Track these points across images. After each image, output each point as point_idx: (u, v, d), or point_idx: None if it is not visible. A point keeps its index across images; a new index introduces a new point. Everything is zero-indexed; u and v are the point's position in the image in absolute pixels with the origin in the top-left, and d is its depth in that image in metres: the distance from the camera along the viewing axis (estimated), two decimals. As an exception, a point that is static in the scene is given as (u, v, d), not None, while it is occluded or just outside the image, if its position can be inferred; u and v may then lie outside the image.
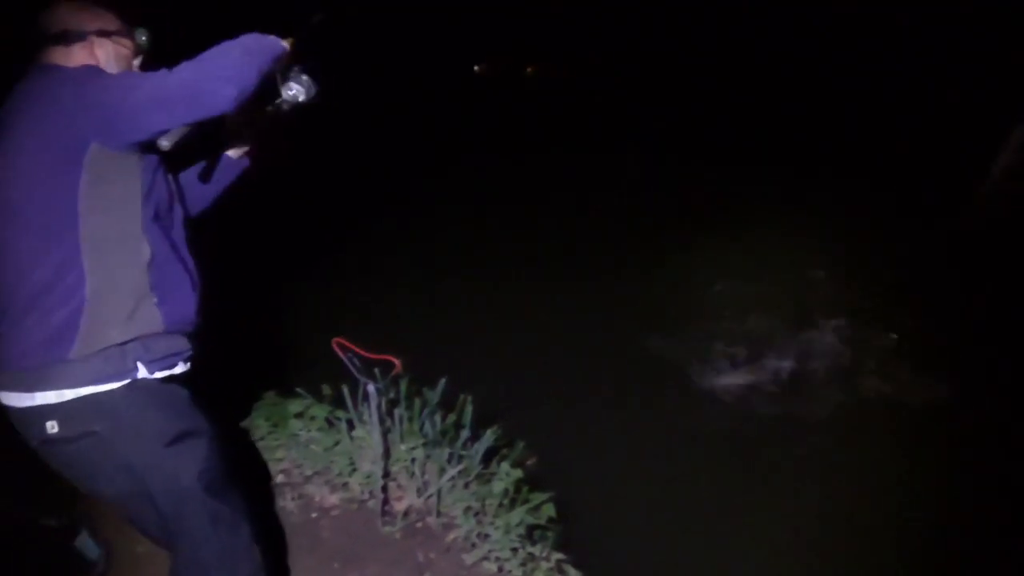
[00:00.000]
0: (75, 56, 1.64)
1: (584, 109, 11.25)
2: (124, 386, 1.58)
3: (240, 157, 2.02)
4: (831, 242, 6.69)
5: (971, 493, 3.80)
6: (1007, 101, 7.37)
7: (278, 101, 1.82)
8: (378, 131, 9.14)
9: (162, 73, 1.50)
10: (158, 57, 1.77)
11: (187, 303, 1.72)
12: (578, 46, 13.14)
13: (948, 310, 5.63)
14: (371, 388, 2.48)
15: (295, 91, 1.81)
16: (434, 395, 2.91)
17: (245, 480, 1.85)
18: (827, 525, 3.49)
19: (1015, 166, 7.00)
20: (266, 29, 1.68)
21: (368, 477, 2.78)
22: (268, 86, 1.76)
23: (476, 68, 12.95)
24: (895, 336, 5.19)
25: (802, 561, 3.23)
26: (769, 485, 3.76)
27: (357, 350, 2.40)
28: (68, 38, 1.63)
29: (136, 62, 1.76)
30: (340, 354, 2.41)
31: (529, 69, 13.25)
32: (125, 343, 1.58)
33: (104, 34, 1.68)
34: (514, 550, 2.58)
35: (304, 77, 1.81)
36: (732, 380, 4.74)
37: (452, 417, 2.92)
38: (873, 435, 4.27)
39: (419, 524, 2.73)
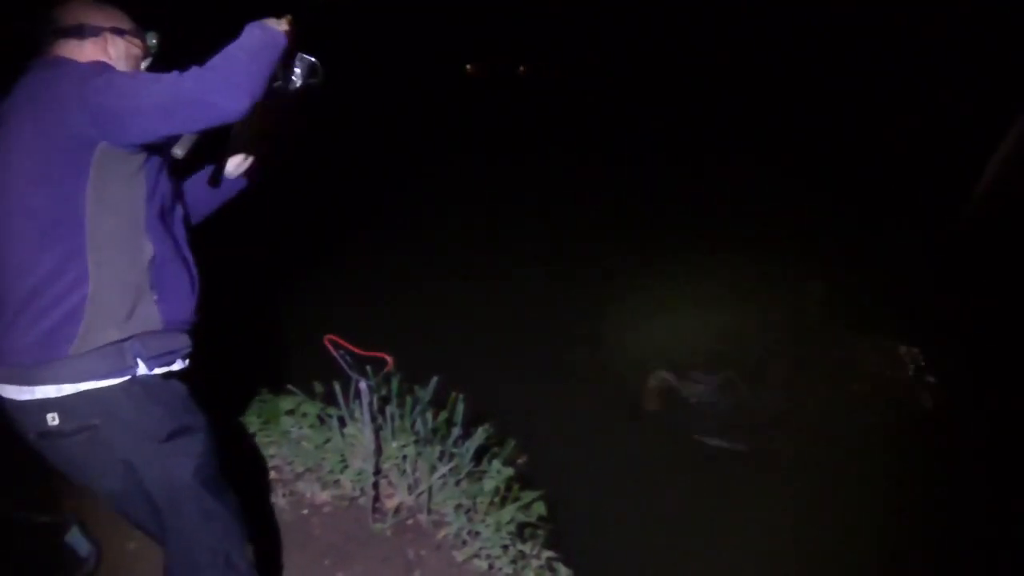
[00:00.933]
0: (87, 51, 1.64)
1: (580, 109, 11.27)
2: (124, 382, 1.59)
3: (242, 171, 1.98)
4: (829, 242, 6.71)
5: (968, 495, 3.81)
6: (1005, 102, 7.37)
7: (276, 85, 1.73)
8: (370, 129, 9.14)
9: (173, 77, 1.47)
10: (159, 58, 1.79)
11: (186, 301, 1.72)
12: (574, 46, 13.13)
13: (946, 313, 5.64)
14: (363, 385, 2.48)
15: (293, 76, 1.76)
16: (426, 393, 2.91)
17: (239, 478, 1.85)
18: (818, 526, 3.49)
19: (1008, 168, 7.00)
20: (263, 9, 1.66)
21: (359, 474, 2.77)
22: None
23: (468, 67, 12.95)
24: (893, 341, 5.19)
25: (792, 560, 3.24)
26: (759, 485, 3.77)
27: (349, 347, 2.40)
28: (83, 32, 1.64)
29: (144, 64, 1.77)
30: (332, 351, 2.40)
31: (522, 68, 13.25)
32: (123, 340, 1.58)
33: (118, 32, 1.69)
34: (504, 548, 2.58)
35: (303, 60, 1.76)
36: (725, 382, 4.73)
37: (443, 415, 2.92)
38: (868, 439, 4.26)
39: (410, 521, 2.73)
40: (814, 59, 10.79)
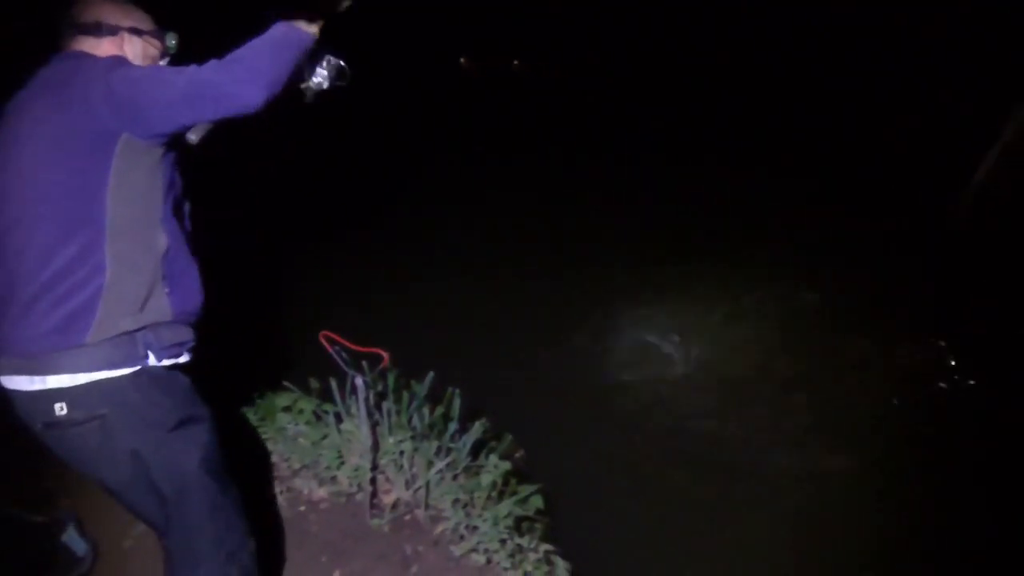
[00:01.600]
0: (103, 48, 1.67)
1: (580, 109, 11.25)
2: (132, 372, 1.61)
3: None
4: (828, 242, 6.69)
5: (968, 495, 3.80)
6: (1005, 102, 7.36)
7: (303, 86, 1.78)
8: (370, 129, 9.15)
9: (193, 69, 1.51)
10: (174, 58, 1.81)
11: (194, 294, 1.75)
12: (573, 45, 13.12)
13: (946, 313, 5.62)
14: (359, 381, 2.48)
15: (320, 78, 1.79)
16: (422, 388, 2.91)
17: (240, 474, 1.85)
18: (817, 524, 3.49)
19: (1001, 169, 6.99)
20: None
21: (356, 470, 2.77)
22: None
23: (462, 60, 12.91)
24: (892, 341, 5.17)
25: (791, 555, 3.23)
26: (754, 484, 3.75)
27: (345, 343, 2.40)
28: (100, 30, 1.66)
29: (162, 63, 1.80)
30: (328, 347, 2.40)
31: (516, 63, 13.21)
32: (136, 331, 1.61)
33: (136, 32, 1.72)
34: (502, 542, 2.58)
35: (330, 62, 1.78)
36: (719, 383, 4.71)
37: (440, 410, 2.92)
38: (868, 439, 4.25)
39: (407, 517, 2.73)
40: (814, 59, 10.77)
